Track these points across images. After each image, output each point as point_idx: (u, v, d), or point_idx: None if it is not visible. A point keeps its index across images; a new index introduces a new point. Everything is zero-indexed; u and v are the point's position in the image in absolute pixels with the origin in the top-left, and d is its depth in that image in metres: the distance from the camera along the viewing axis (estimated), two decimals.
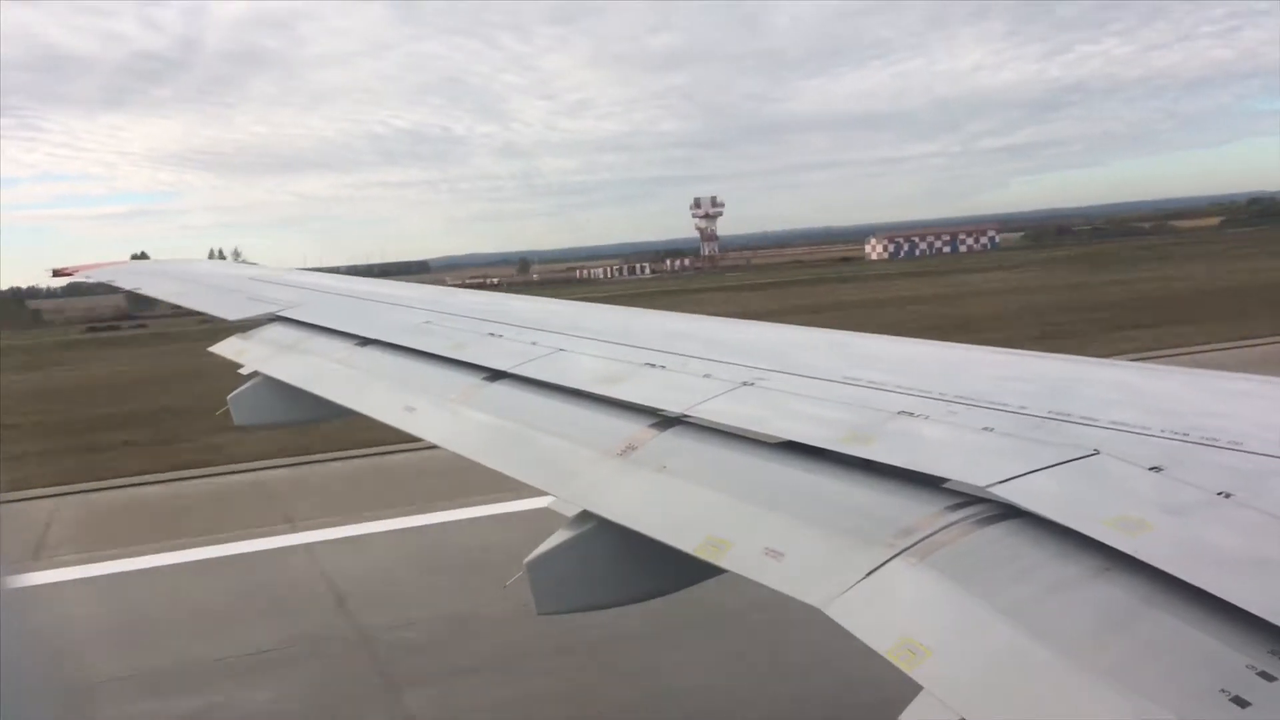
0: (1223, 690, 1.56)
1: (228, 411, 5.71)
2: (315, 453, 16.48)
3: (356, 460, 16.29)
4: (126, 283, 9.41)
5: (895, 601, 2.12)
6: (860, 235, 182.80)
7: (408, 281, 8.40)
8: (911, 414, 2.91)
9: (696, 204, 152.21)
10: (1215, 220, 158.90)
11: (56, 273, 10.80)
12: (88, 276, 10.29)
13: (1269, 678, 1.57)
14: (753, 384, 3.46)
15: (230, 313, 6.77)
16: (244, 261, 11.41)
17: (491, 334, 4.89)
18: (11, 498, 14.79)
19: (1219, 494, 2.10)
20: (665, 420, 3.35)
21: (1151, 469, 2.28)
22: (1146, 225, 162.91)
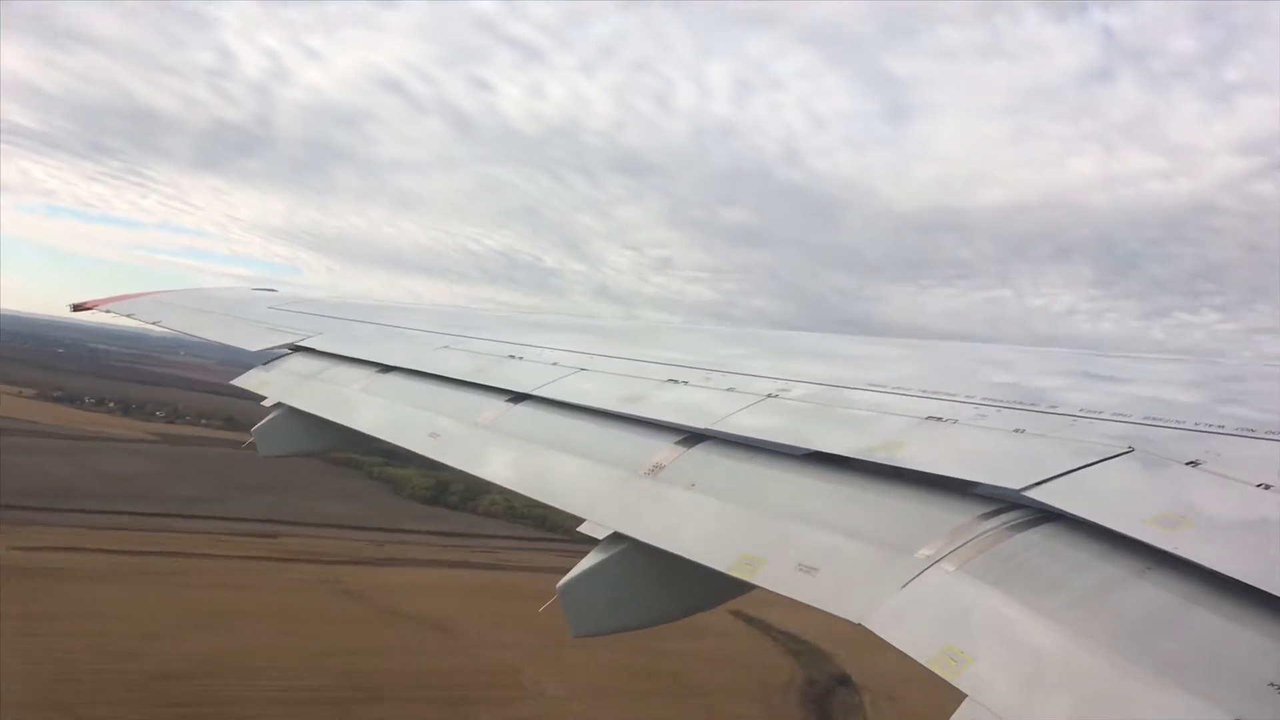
0: (1272, 684, 1.56)
1: (253, 444, 5.72)
2: None
3: None
4: (147, 316, 9.41)
5: (934, 611, 2.10)
6: None
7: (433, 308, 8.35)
8: (940, 419, 2.89)
9: None
10: None
11: (76, 307, 10.68)
12: (108, 310, 10.22)
13: None
14: (776, 396, 3.44)
15: (250, 344, 6.80)
16: (264, 289, 11.15)
17: (511, 355, 4.89)
18: None
19: (1259, 485, 2.07)
20: (691, 437, 3.34)
21: (1189, 464, 2.26)
22: None
